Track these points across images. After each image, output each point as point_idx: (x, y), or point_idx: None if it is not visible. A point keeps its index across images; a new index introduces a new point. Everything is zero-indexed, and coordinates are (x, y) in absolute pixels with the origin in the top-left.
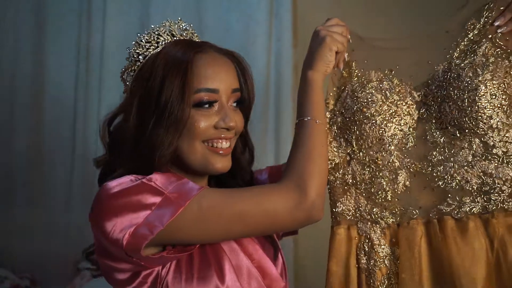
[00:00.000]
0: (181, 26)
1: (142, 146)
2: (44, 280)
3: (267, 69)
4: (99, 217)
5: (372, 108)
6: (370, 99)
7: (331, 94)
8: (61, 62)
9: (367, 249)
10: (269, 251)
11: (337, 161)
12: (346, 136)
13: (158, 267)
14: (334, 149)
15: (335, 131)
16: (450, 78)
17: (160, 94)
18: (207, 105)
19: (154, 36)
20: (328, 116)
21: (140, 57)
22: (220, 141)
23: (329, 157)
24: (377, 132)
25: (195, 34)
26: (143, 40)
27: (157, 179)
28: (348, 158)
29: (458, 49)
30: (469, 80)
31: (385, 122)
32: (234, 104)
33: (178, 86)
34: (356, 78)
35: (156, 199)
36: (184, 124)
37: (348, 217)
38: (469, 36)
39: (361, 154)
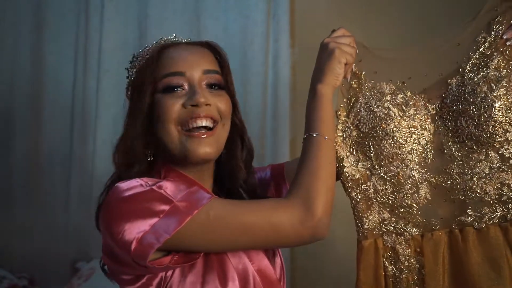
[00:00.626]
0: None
1: (120, 142)
2: (43, 280)
3: (265, 70)
4: (108, 219)
5: (391, 124)
6: (387, 114)
7: (341, 105)
8: (59, 62)
9: (393, 260)
10: (269, 254)
11: (357, 176)
12: (364, 151)
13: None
14: (352, 163)
15: (350, 145)
16: (465, 93)
17: (131, 92)
18: (175, 89)
19: (143, 51)
20: (340, 128)
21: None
22: (194, 120)
23: (348, 172)
24: (397, 148)
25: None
26: (135, 56)
27: (167, 187)
28: (368, 173)
29: (470, 62)
30: (484, 95)
31: (404, 137)
32: (214, 88)
33: (140, 79)
34: (367, 90)
35: (165, 207)
36: (145, 111)
37: (375, 232)
38: (481, 49)
39: (381, 169)
